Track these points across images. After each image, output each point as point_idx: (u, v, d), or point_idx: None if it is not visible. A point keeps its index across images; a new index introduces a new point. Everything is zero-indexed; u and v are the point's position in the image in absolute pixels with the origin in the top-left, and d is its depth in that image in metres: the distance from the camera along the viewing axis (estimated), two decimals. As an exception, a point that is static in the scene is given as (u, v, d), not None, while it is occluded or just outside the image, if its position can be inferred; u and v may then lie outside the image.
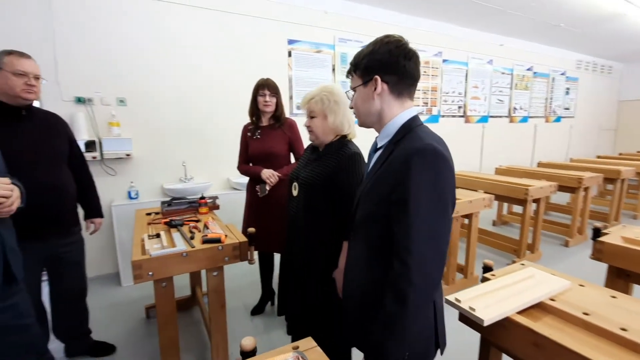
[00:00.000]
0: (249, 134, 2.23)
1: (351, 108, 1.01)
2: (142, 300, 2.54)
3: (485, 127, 5.60)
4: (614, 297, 1.09)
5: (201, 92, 3.24)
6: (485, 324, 0.94)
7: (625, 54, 6.66)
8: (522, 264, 1.33)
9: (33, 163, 1.53)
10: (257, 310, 2.41)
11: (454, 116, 5.23)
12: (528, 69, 5.98)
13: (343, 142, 1.38)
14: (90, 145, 2.76)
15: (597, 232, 1.74)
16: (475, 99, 5.43)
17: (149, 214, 2.12)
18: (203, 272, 1.87)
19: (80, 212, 1.86)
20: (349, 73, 0.97)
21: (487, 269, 1.35)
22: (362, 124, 0.99)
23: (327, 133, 1.36)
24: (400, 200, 0.79)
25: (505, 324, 0.99)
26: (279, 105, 2.19)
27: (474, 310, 0.98)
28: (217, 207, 2.25)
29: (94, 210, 1.93)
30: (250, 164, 2.25)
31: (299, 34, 3.75)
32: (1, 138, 1.44)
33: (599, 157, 5.96)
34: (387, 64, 0.87)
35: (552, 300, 1.07)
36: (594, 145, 7.47)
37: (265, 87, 2.13)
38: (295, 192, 1.44)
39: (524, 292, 1.09)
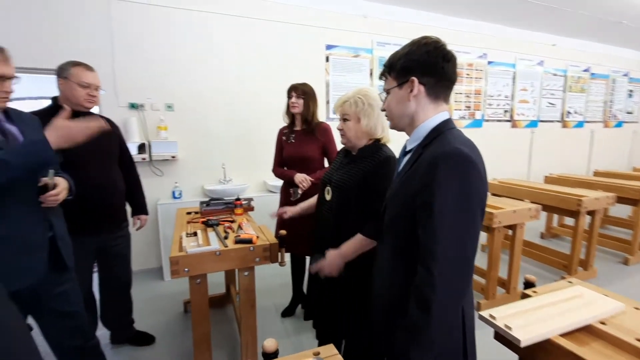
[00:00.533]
0: (283, 137, 2.28)
1: (383, 110, 0.99)
2: (181, 295, 2.67)
3: (534, 132, 5.24)
4: (679, 325, 0.96)
5: (241, 98, 3.37)
6: (523, 344, 0.87)
7: None
8: (570, 282, 1.22)
9: (88, 162, 1.68)
10: (288, 312, 2.43)
11: (499, 120, 4.96)
12: (585, 70, 5.52)
13: (377, 146, 1.36)
14: (141, 147, 2.97)
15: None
16: (523, 103, 5.11)
17: (189, 213, 2.23)
18: (237, 271, 1.93)
19: (128, 209, 2.01)
20: (382, 75, 0.96)
21: (528, 284, 1.26)
22: (394, 126, 0.97)
23: (359, 137, 1.35)
24: (426, 204, 0.78)
25: (546, 347, 0.91)
26: (309, 109, 2.20)
27: (510, 328, 0.91)
28: (251, 209, 2.32)
29: (140, 207, 2.07)
30: (285, 167, 2.30)
31: (337, 39, 3.78)
32: None
33: (669, 166, 5.32)
34: (426, 65, 0.85)
35: (602, 323, 0.97)
36: (664, 153, 6.70)
37: (293, 89, 2.19)
38: (328, 196, 1.44)
39: (569, 313, 1.00)
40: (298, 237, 2.13)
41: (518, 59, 4.92)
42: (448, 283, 0.75)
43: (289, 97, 2.18)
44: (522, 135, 5.18)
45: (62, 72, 1.63)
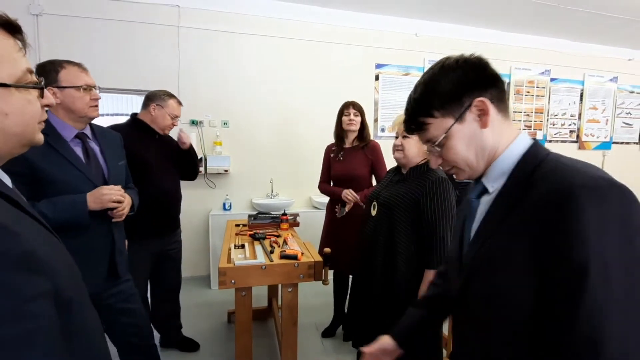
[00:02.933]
0: (332, 154, 2.30)
1: (441, 168, 0.71)
2: (226, 305, 2.74)
3: (606, 155, 4.73)
4: None
5: (290, 116, 3.48)
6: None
7: None
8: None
9: (161, 174, 1.88)
10: (328, 333, 2.38)
11: (564, 141, 4.56)
12: (669, 87, 4.91)
13: (429, 167, 1.32)
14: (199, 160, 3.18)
15: None
16: (592, 122, 4.66)
17: (237, 225, 2.31)
18: (280, 286, 1.94)
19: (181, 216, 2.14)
20: (415, 126, 0.69)
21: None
22: (473, 174, 0.67)
23: (419, 155, 1.33)
24: (570, 267, 0.49)
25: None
26: (364, 126, 2.21)
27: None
28: (297, 224, 2.34)
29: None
30: (331, 184, 2.30)
31: (387, 57, 3.78)
32: (141, 152, 1.80)
33: None
34: (479, 79, 0.63)
35: None
36: None
37: (350, 106, 2.20)
38: (374, 212, 1.41)
39: None
40: (342, 254, 2.11)
41: (587, 75, 4.53)
42: None
43: (345, 114, 2.20)
44: (591, 158, 4.68)
45: (158, 99, 1.88)
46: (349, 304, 1.60)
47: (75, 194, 1.20)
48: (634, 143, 4.89)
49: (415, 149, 1.33)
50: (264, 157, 3.45)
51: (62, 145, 1.23)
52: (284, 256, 1.64)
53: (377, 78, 3.81)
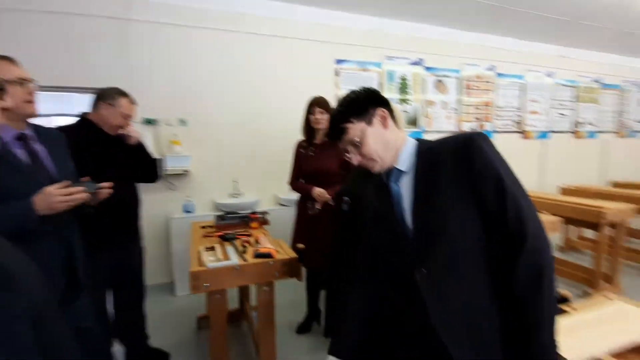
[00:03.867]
0: (302, 150, 2.27)
1: (362, 165, 0.90)
2: (194, 311, 2.63)
3: (545, 144, 5.19)
4: None
5: (252, 113, 3.39)
6: (570, 364, 0.82)
7: None
8: (610, 299, 1.17)
9: (115, 178, 1.69)
10: (304, 329, 2.37)
11: (510, 132, 4.92)
12: (595, 81, 5.49)
13: None
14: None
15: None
16: (533, 114, 5.08)
17: (203, 227, 2.21)
18: (252, 286, 1.89)
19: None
20: (338, 132, 0.88)
21: (562, 299, 1.21)
22: (382, 166, 0.88)
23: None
24: (495, 184, 0.74)
25: (594, 367, 0.86)
26: None
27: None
28: (267, 222, 2.29)
29: None
30: (303, 181, 2.28)
31: (348, 53, 3.82)
32: (92, 155, 1.64)
33: (687, 177, 5.20)
34: (377, 98, 0.90)
35: (652, 341, 0.92)
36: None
37: (314, 105, 2.17)
38: (345, 207, 1.41)
39: (616, 331, 0.94)
40: (315, 250, 2.10)
41: (527, 71, 4.92)
42: (545, 239, 0.74)
43: (311, 112, 2.18)
44: (533, 147, 5.13)
45: (109, 98, 1.71)
46: (327, 301, 1.60)
47: (21, 199, 1.07)
48: (569, 132, 5.40)
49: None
50: (226, 156, 3.33)
51: (1, 147, 1.08)
52: (258, 255, 1.59)
53: (337, 73, 3.84)
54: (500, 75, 4.75)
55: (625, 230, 2.96)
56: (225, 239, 1.88)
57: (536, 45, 4.86)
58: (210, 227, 2.22)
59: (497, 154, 0.78)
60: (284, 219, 2.90)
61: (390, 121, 0.89)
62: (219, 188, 3.33)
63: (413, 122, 4.24)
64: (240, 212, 2.39)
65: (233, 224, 2.19)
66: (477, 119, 4.68)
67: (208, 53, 3.19)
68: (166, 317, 2.59)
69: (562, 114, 5.33)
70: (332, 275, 1.52)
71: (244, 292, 2.49)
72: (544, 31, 4.31)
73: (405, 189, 0.87)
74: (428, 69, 4.25)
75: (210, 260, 1.52)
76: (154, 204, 3.01)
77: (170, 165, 3.03)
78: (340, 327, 0.96)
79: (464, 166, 0.77)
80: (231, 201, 3.21)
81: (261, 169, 3.46)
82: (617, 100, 5.77)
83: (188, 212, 3.11)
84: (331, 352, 0.93)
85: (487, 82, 4.70)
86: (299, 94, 3.32)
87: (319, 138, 2.23)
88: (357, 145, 0.87)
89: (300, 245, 1.75)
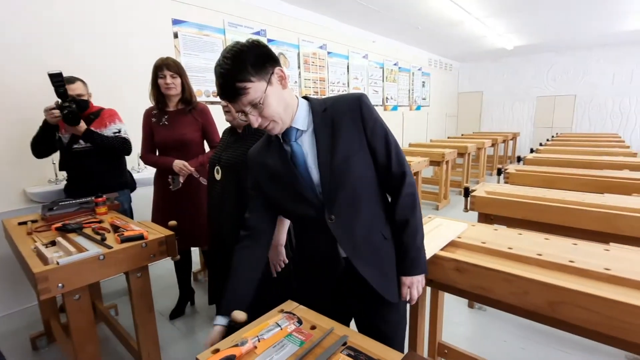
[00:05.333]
0: (153, 119, 2.00)
1: (262, 128, 0.87)
2: (23, 331, 2.03)
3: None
4: (496, 230, 1.45)
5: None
6: (422, 263, 1.14)
7: (462, 54, 8.39)
8: (430, 217, 1.63)
9: None
10: (177, 313, 2.22)
11: (341, 105, 5.70)
12: (395, 64, 6.94)
13: None
14: None
15: (467, 191, 2.24)
16: (356, 89, 6.02)
17: (22, 223, 1.69)
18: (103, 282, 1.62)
19: None
20: (235, 92, 0.80)
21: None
22: (284, 125, 0.88)
23: None
24: (381, 137, 0.92)
25: (434, 260, 1.22)
26: (185, 87, 2.01)
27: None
28: (117, 206, 1.96)
29: None
30: (157, 153, 2.03)
31: (185, 13, 3.47)
32: None
33: (449, 137, 7.41)
34: (271, 55, 0.84)
35: (459, 238, 1.37)
36: (443, 128, 9.23)
37: (163, 68, 1.92)
38: (218, 176, 1.40)
39: (439, 236, 1.35)
40: (182, 230, 1.96)
41: (350, 52, 5.73)
42: (413, 177, 0.97)
43: (160, 76, 1.91)
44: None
45: None
46: (210, 273, 1.56)
47: None
48: (380, 105, 6.70)
49: None
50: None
51: None
52: (125, 239, 1.37)
53: (176, 36, 3.46)
54: (330, 54, 5.35)
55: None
56: (67, 230, 1.51)
57: (356, 30, 5.68)
58: (33, 222, 1.72)
59: (375, 110, 0.94)
60: (142, 198, 2.52)
61: (286, 81, 0.88)
62: (28, 175, 2.54)
63: (261, 93, 4.31)
64: (70, 200, 1.92)
65: (70, 213, 1.77)
66: (314, 92, 5.17)
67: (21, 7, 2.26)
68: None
69: (376, 91, 6.54)
70: (218, 248, 1.49)
71: (94, 290, 2.09)
72: (360, 17, 5.08)
73: (306, 146, 0.91)
74: (270, 40, 4.36)
75: (59, 256, 1.22)
76: None
77: None
78: (226, 287, 0.93)
79: (358, 121, 0.90)
80: (50, 188, 2.51)
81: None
82: (408, 81, 7.51)
83: (-21, 210, 2.26)
84: (220, 313, 0.89)
85: (321, 59, 5.22)
86: (132, 57, 2.88)
87: (172, 105, 2.02)
88: (258, 107, 0.82)
89: (172, 222, 1.60)
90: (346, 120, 0.90)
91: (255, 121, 0.84)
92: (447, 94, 9.32)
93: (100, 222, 1.67)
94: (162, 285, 2.57)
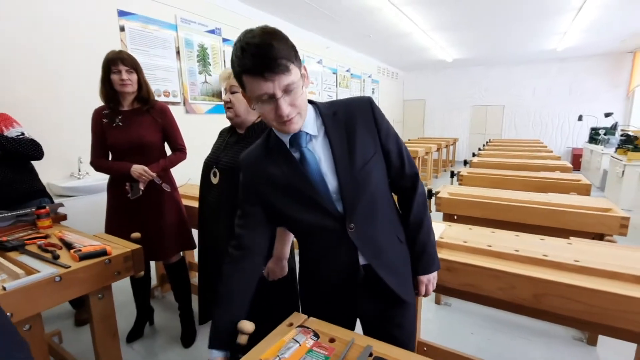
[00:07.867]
0: (104, 120, 1.77)
1: (285, 118, 0.76)
2: None
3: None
4: (471, 229, 1.54)
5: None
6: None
7: (408, 64, 8.90)
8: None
9: None
10: (135, 335, 1.99)
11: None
12: (347, 70, 7.12)
13: (267, 125, 1.34)
14: None
15: (430, 193, 2.35)
16: (311, 94, 6.05)
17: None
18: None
19: None
20: (276, 68, 0.71)
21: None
22: (301, 125, 0.81)
23: (248, 111, 1.28)
24: (395, 142, 0.92)
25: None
26: (143, 84, 1.83)
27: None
28: (64, 218, 1.71)
29: None
30: (109, 158, 1.82)
31: (131, 5, 3.19)
32: None
33: (397, 142, 7.77)
34: (296, 50, 0.79)
35: (441, 238, 1.42)
36: (391, 134, 9.68)
37: (119, 61, 1.72)
38: (215, 180, 1.29)
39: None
40: (157, 241, 1.81)
41: (306, 56, 5.75)
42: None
43: (114, 71, 1.70)
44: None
45: None
46: (200, 285, 1.43)
47: None
48: (334, 110, 6.81)
49: (244, 105, 1.29)
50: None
51: None
52: (84, 256, 1.19)
53: (122, 29, 3.16)
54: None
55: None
56: (6, 247, 1.27)
57: (311, 35, 5.72)
58: (-47, 240, 1.42)
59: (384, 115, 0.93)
60: (87, 207, 2.24)
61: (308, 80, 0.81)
62: None
63: (216, 94, 4.12)
64: (7, 213, 1.64)
65: (5, 228, 1.50)
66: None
67: None
68: None
69: (330, 96, 6.63)
70: (213, 260, 1.37)
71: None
72: (316, 22, 5.12)
73: (319, 151, 0.84)
74: (225, 40, 4.19)
75: (2, 280, 1.01)
76: None
77: None
78: (218, 314, 0.84)
79: (371, 124, 0.87)
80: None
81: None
82: (360, 87, 7.75)
83: None
84: (215, 346, 0.81)
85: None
86: (72, 49, 2.58)
87: (126, 104, 1.81)
88: (291, 94, 0.74)
89: (136, 234, 1.43)
90: (359, 124, 0.87)
91: (286, 108, 0.74)
92: (394, 101, 9.81)
93: (46, 237, 1.43)
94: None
